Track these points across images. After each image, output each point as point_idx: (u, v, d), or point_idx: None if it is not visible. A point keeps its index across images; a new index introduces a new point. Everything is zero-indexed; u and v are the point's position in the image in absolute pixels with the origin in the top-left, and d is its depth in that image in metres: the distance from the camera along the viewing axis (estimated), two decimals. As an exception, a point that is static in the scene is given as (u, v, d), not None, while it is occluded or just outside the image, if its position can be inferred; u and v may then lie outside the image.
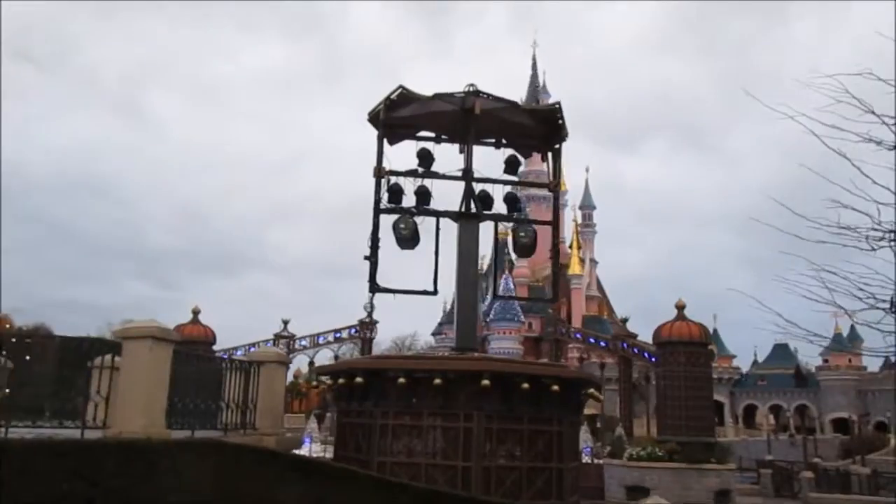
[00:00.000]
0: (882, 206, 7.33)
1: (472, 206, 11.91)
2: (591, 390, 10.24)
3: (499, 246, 74.72)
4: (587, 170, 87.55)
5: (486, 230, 12.05)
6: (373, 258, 11.50)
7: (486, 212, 11.98)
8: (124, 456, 7.87)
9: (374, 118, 11.94)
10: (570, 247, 79.67)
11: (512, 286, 70.73)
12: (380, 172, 11.73)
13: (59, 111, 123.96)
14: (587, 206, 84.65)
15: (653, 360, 35.25)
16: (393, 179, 11.94)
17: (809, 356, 71.31)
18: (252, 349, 38.20)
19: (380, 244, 11.61)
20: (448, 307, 78.72)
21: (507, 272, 70.53)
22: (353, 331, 49.00)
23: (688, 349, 26.00)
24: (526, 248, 11.82)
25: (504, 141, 12.49)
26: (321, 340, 48.14)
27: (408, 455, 9.55)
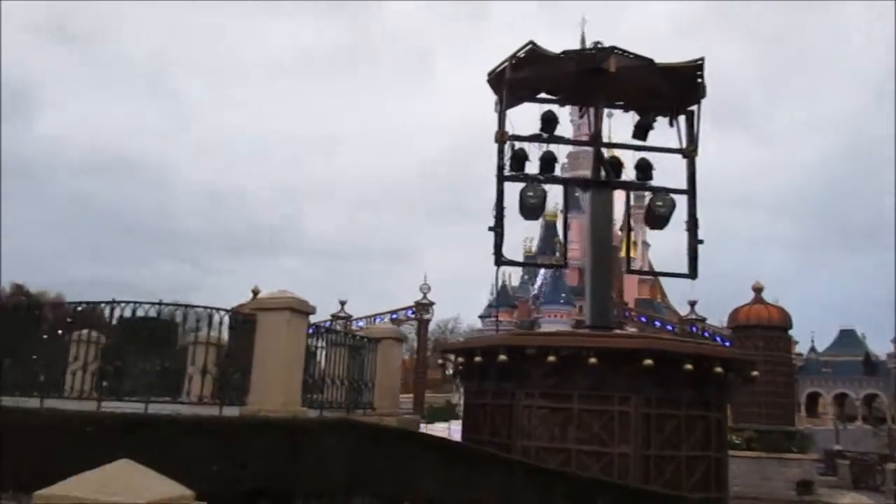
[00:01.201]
0: None
1: (603, 173, 11.05)
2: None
3: (547, 226, 72.92)
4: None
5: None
6: (498, 229, 10.69)
7: (618, 179, 11.10)
8: (272, 436, 7.25)
9: (495, 78, 11.09)
10: (620, 229, 77.88)
11: (564, 270, 69.64)
12: (503, 137, 10.90)
13: (94, 91, 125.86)
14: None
15: (725, 344, 33.90)
16: (516, 145, 11.13)
17: (878, 343, 68.24)
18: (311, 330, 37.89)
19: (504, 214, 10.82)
20: (497, 289, 77.47)
21: (558, 255, 69.45)
22: (409, 312, 48.42)
23: (767, 333, 24.77)
24: (663, 220, 10.89)
25: (633, 103, 11.55)
26: (378, 321, 47.71)
27: (555, 440, 8.77)
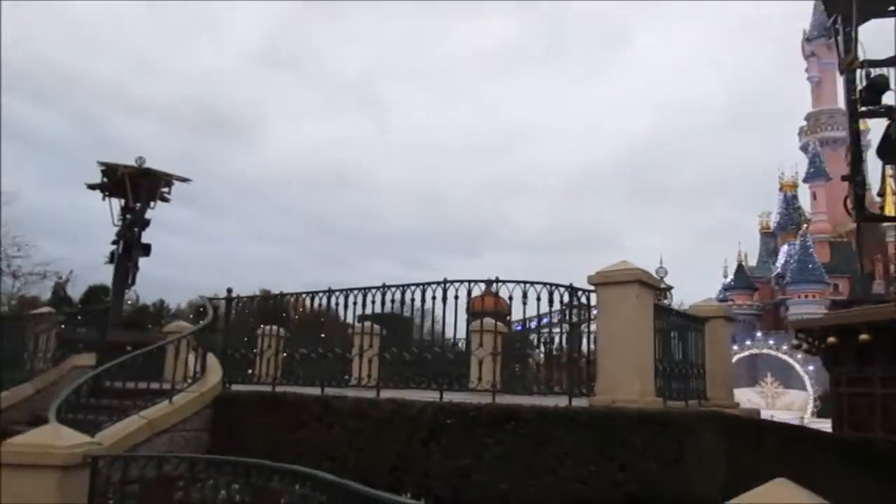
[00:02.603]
0: None
1: None
2: None
3: (787, 198, 65.67)
4: (897, 100, 73.25)
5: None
6: (857, 177, 8.64)
7: None
8: (652, 432, 6.04)
9: (834, -5, 9.01)
10: (880, 194, 67.67)
11: (811, 244, 62.24)
12: (852, 62, 8.78)
13: (311, 110, 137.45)
14: (901, 143, 70.88)
15: None
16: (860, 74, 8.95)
17: None
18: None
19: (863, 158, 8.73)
20: (733, 269, 71.84)
21: (803, 228, 62.24)
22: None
23: None
24: None
25: None
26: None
27: None
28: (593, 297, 7.20)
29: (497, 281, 7.12)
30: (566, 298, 7.16)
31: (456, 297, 7.29)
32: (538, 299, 7.08)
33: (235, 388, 8.71)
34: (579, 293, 7.14)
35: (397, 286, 7.68)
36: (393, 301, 7.67)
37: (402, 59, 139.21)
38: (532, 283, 7.03)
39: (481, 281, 7.19)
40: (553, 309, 7.51)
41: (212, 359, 8.68)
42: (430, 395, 7.12)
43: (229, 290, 8.90)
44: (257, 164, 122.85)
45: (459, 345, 9.27)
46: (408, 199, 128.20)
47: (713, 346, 9.36)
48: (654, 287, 7.14)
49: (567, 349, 7.52)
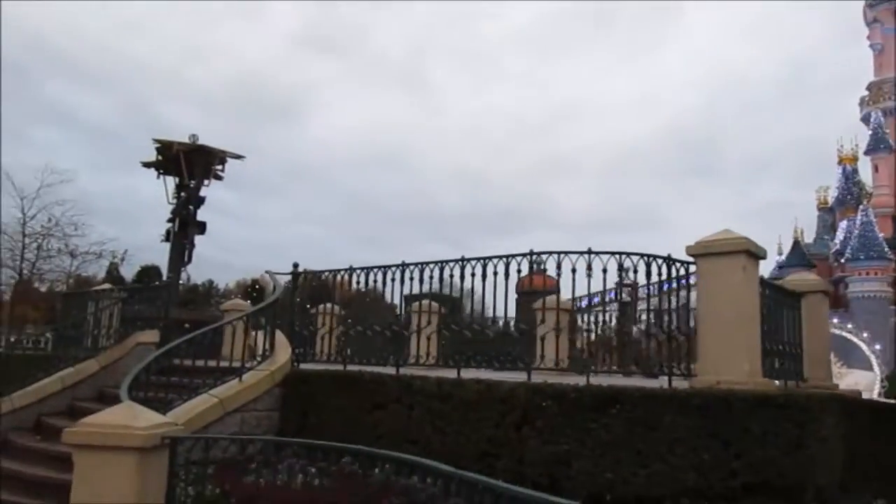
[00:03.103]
0: None
1: None
2: None
3: (847, 171, 63.11)
4: None
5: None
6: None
7: None
8: (771, 417, 5.47)
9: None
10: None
11: (873, 218, 59.62)
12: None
13: (359, 92, 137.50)
14: None
15: None
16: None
17: None
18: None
19: None
20: (788, 246, 69.50)
21: (864, 202, 59.67)
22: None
23: None
24: None
25: None
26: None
27: None
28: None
29: (590, 252, 6.57)
30: (664, 271, 6.58)
31: (544, 269, 6.80)
32: (635, 271, 6.54)
33: (304, 366, 8.39)
34: (677, 265, 6.55)
35: (477, 259, 7.22)
36: (473, 275, 7.21)
37: (447, 40, 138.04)
38: (628, 254, 6.47)
39: (572, 252, 6.64)
40: (607, 285, 6.96)
41: (280, 336, 8.36)
42: (499, 375, 6.67)
43: (295, 265, 8.55)
44: (302, 146, 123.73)
45: (509, 323, 8.86)
46: (453, 179, 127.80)
47: (811, 322, 8.69)
48: (760, 258, 6.51)
49: (667, 326, 6.93)
